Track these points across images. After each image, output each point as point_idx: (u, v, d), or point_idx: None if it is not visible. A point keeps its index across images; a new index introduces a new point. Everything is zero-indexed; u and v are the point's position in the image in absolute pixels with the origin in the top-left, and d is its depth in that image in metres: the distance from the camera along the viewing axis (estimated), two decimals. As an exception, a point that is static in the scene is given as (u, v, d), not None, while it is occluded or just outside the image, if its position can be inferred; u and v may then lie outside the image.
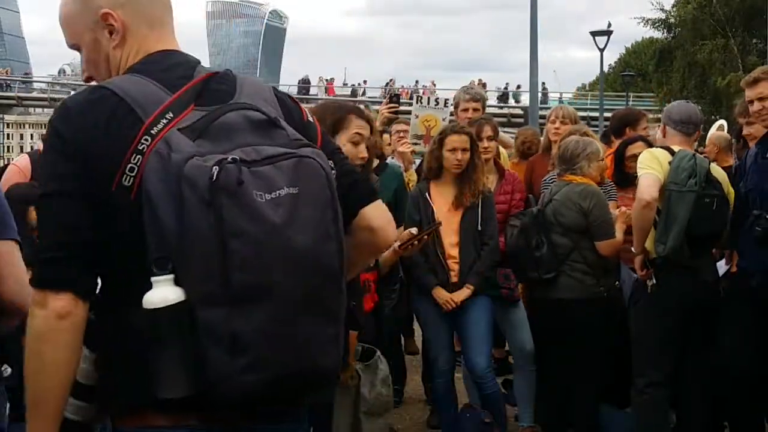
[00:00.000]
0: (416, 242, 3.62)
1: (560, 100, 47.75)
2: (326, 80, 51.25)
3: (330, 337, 1.79)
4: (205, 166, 1.67)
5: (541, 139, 6.88)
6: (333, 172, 1.84)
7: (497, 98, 48.97)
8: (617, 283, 5.21)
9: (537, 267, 5.07)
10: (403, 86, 51.73)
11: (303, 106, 2.07)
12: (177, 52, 2.01)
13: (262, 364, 1.69)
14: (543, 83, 48.19)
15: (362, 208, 2.00)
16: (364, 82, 56.40)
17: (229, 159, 1.68)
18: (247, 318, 1.67)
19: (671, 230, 4.51)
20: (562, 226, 5.07)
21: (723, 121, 8.06)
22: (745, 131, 5.36)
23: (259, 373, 1.69)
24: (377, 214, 2.03)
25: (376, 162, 5.74)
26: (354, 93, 50.64)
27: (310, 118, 2.04)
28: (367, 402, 3.73)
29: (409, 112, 6.74)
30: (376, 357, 3.78)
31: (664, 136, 4.87)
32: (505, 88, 51.37)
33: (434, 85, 48.41)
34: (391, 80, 51.68)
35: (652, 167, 4.59)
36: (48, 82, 55.92)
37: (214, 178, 1.65)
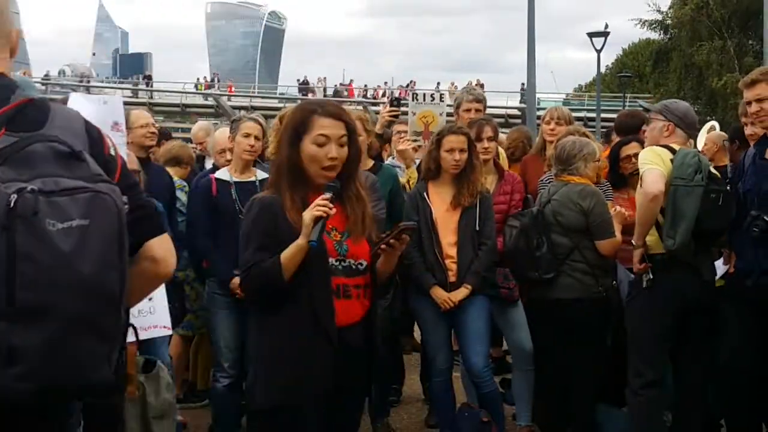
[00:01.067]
0: (391, 241, 3.40)
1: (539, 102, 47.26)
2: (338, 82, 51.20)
3: (103, 355, 1.95)
4: (5, 192, 1.81)
5: (536, 138, 6.88)
6: (126, 206, 2.00)
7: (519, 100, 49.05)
8: (614, 282, 5.23)
9: (537, 267, 5.09)
10: (401, 86, 51.75)
11: (108, 139, 2.22)
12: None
13: (35, 375, 1.85)
14: (522, 84, 48.21)
15: (148, 240, 2.20)
16: (384, 84, 56.31)
17: (28, 189, 1.82)
18: (27, 333, 1.82)
19: (679, 226, 4.50)
20: (562, 226, 5.09)
21: (715, 122, 8.08)
22: (749, 131, 5.33)
23: (31, 383, 1.85)
24: (160, 246, 2.24)
25: (371, 163, 5.78)
26: (337, 94, 50.63)
27: (112, 152, 2.19)
28: (153, 408, 4.37)
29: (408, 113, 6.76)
30: (157, 367, 4.39)
31: (669, 135, 4.80)
32: (522, 88, 51.42)
33: (455, 86, 47.96)
34: (411, 81, 51.34)
35: (655, 163, 4.59)
36: (72, 84, 55.11)
37: (12, 205, 1.80)
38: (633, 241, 4.75)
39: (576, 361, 5.10)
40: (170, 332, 5.10)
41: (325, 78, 53.83)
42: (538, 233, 5.09)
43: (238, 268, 4.90)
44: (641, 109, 5.44)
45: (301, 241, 3.21)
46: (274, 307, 3.28)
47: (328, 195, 3.27)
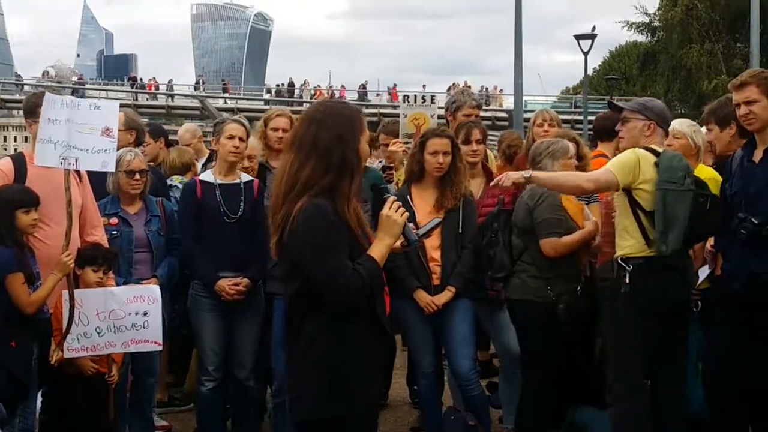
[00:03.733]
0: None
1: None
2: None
3: None
4: None
5: (524, 141, 6.89)
6: None
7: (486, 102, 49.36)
8: (579, 289, 5.06)
9: (489, 266, 5.12)
10: (319, 86, 51.97)
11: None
12: None
13: None
14: (487, 88, 48.42)
15: None
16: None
17: None
18: None
19: (672, 230, 4.47)
20: (516, 226, 5.10)
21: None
22: (708, 137, 5.35)
23: None
24: None
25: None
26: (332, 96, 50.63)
27: None
28: None
29: (395, 115, 6.78)
30: None
31: (650, 134, 4.77)
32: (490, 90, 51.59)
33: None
34: (453, 84, 51.13)
35: (622, 169, 4.56)
36: (94, 88, 54.20)
37: None
38: (525, 175, 4.66)
39: (526, 364, 5.15)
40: (160, 348, 5.02)
41: (318, 86, 53.58)
42: (494, 232, 5.08)
43: (241, 270, 4.98)
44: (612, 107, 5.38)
45: (390, 241, 3.15)
46: (350, 314, 3.12)
47: (393, 197, 3.25)
